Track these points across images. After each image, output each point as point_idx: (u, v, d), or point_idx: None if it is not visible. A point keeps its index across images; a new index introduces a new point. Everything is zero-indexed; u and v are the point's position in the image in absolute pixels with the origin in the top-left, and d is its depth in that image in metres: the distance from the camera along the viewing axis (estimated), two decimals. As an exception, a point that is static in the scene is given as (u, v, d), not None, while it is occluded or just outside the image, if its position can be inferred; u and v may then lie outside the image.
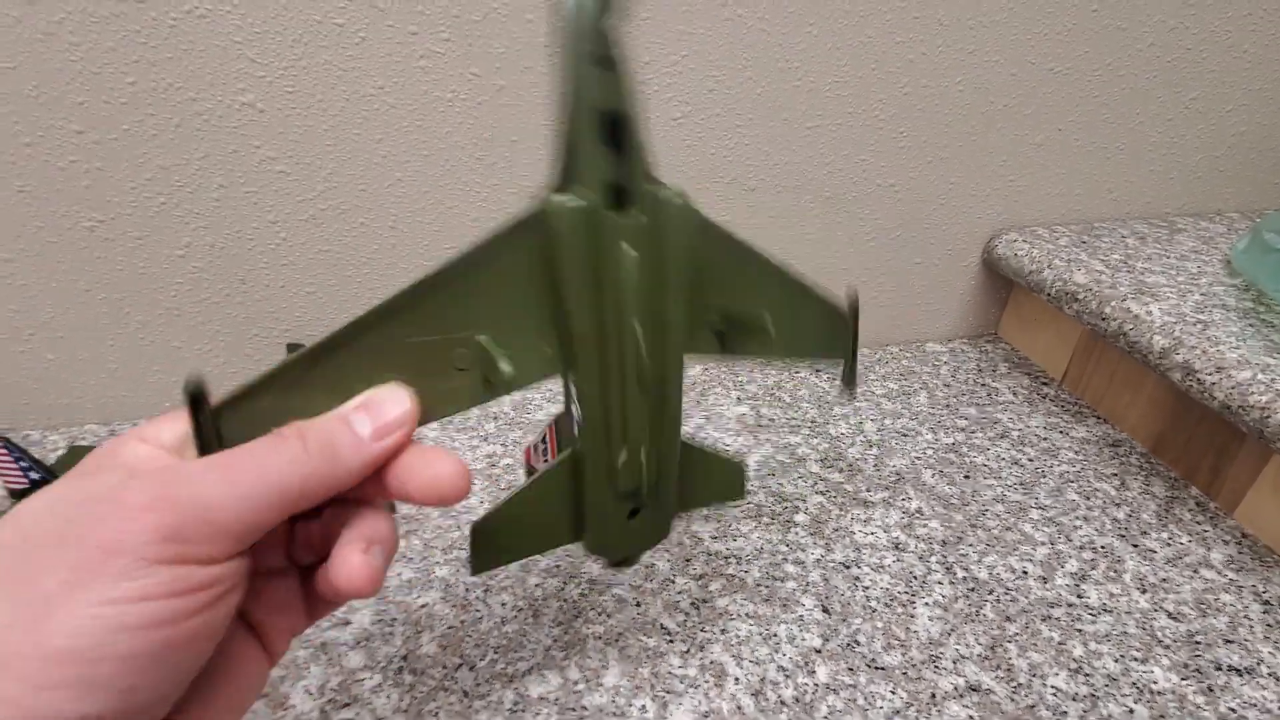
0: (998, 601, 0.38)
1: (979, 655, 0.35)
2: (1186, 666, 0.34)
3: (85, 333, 0.46)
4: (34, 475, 0.38)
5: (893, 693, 0.33)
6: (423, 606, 0.37)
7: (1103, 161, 0.57)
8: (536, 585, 0.38)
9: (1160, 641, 0.36)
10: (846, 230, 0.55)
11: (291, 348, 0.50)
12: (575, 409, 0.25)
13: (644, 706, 0.32)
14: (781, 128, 0.49)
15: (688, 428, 0.50)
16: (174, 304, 0.46)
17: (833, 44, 0.47)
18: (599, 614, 0.36)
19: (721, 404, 0.53)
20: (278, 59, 0.40)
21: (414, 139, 0.44)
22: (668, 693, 0.32)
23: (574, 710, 0.32)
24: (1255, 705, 0.33)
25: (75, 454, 0.43)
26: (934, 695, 0.33)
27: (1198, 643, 0.36)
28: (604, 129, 0.20)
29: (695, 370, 0.57)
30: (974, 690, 0.33)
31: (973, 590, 0.38)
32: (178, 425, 0.20)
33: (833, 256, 0.56)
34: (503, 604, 0.37)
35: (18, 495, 0.38)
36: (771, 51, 0.46)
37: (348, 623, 0.36)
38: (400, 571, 0.38)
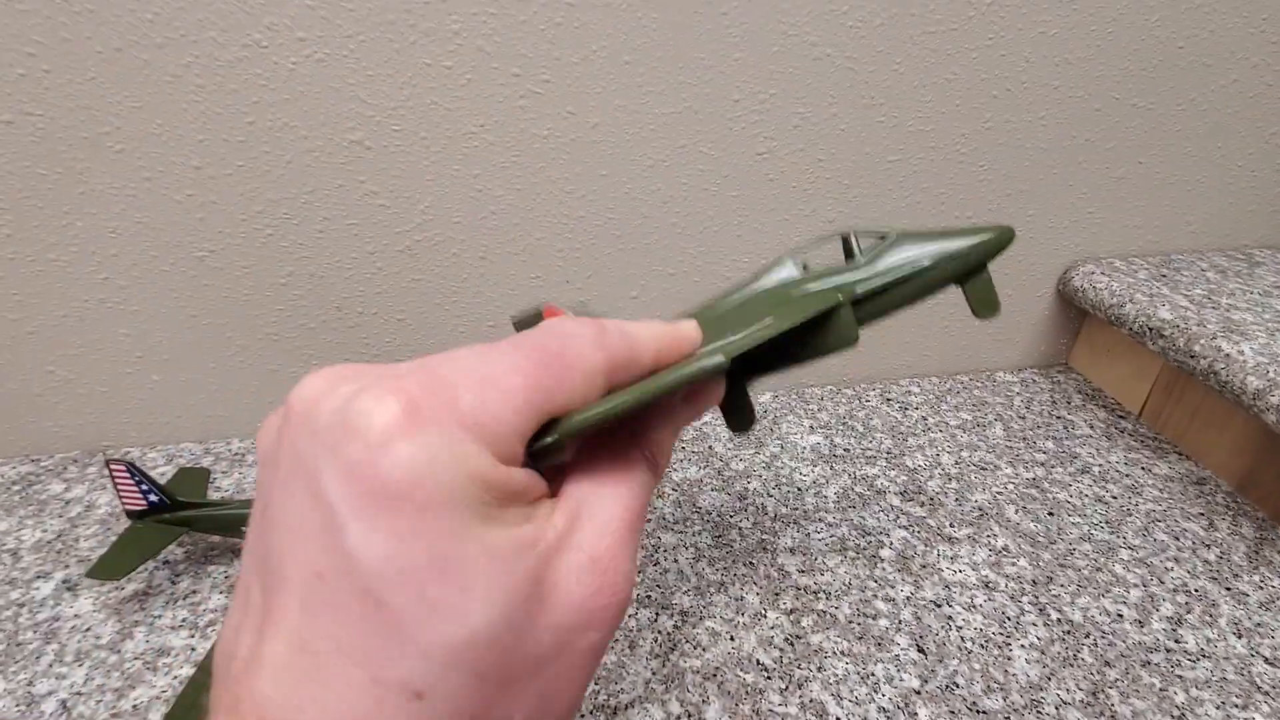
0: (1094, 645, 0.37)
1: (1081, 701, 0.34)
2: (1298, 720, 0.34)
3: (189, 356, 0.48)
4: (152, 498, 0.39)
5: (997, 737, 0.33)
6: (522, 634, 0.37)
7: (1182, 193, 0.57)
8: (630, 616, 0.38)
9: (1259, 688, 0.35)
10: (921, 261, 0.55)
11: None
12: None
13: (749, 743, 0.32)
14: (863, 161, 0.50)
15: (763, 456, 0.51)
16: (274, 329, 0.48)
17: (918, 81, 0.47)
18: (694, 647, 0.37)
19: (794, 433, 0.54)
20: (387, 99, 0.42)
21: (509, 174, 0.45)
22: (771, 730, 0.33)
23: (680, 745, 0.32)
24: (1371, 762, 0.32)
25: (185, 475, 0.45)
26: (1039, 741, 0.33)
27: (1307, 695, 0.35)
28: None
29: (766, 397, 0.58)
30: (1079, 737, 0.33)
31: (1068, 633, 0.38)
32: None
33: (906, 287, 0.56)
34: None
35: (136, 516, 0.40)
36: (857, 88, 0.47)
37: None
38: (497, 598, 0.39)
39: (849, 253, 0.26)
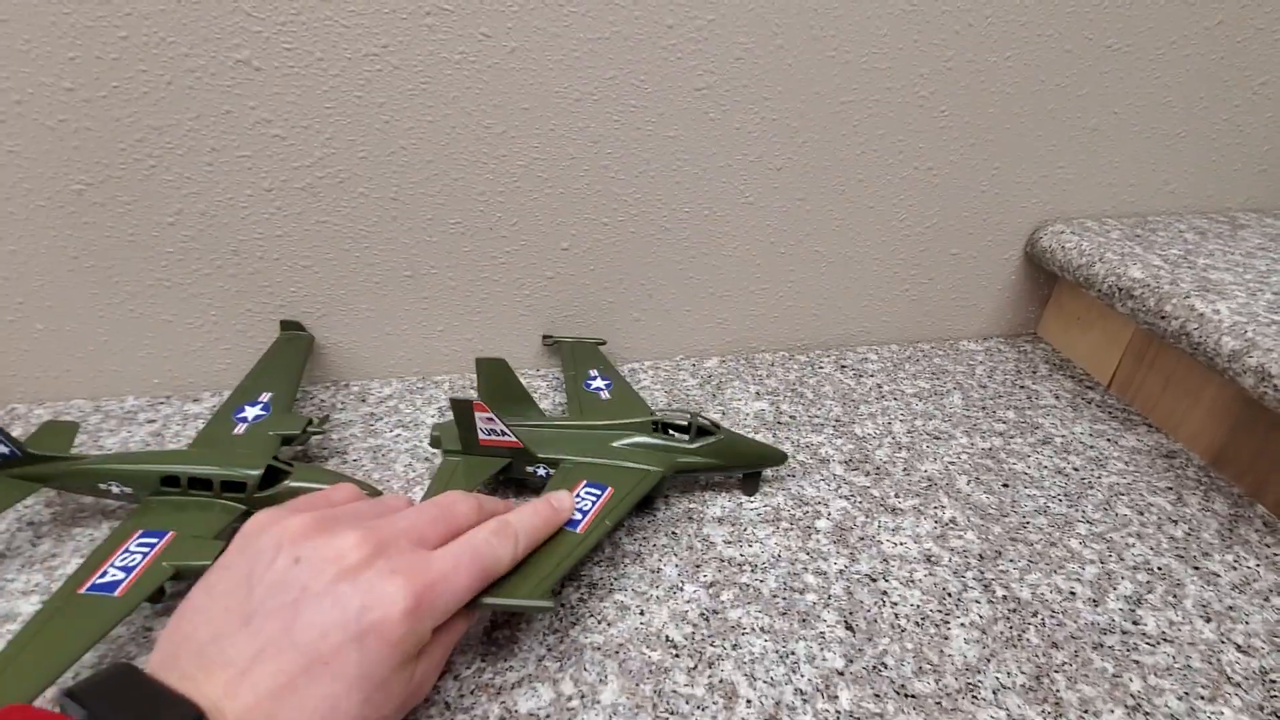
0: (1042, 625, 0.34)
1: (1023, 686, 0.31)
2: (1262, 709, 0.30)
3: (74, 303, 0.44)
4: (2, 449, 0.35)
5: (924, 724, 0.29)
6: (408, 605, 0.34)
7: (1161, 150, 0.53)
8: (532, 587, 0.35)
9: (1229, 679, 0.32)
10: (879, 216, 0.51)
11: (285, 325, 0.47)
12: None
13: (644, 727, 0.29)
14: (813, 102, 0.45)
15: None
16: (164, 274, 0.44)
17: (872, 11, 0.43)
18: (599, 621, 0.33)
19: (739, 399, 0.50)
20: (275, 13, 0.37)
21: (418, 104, 0.41)
22: (671, 713, 0.29)
23: (566, 728, 0.29)
24: (1342, 756, 0.29)
25: (48, 429, 0.40)
26: (971, 729, 0.29)
27: (1273, 681, 0.32)
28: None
29: (713, 362, 0.54)
30: (1016, 725, 0.29)
31: (1014, 611, 0.34)
32: None
33: (863, 245, 0.52)
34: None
35: None
36: (805, 18, 0.43)
37: (326, 620, 0.33)
38: (387, 566, 0.36)
39: (687, 430, 0.39)
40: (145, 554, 0.30)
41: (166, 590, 0.33)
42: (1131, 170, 0.53)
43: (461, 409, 0.37)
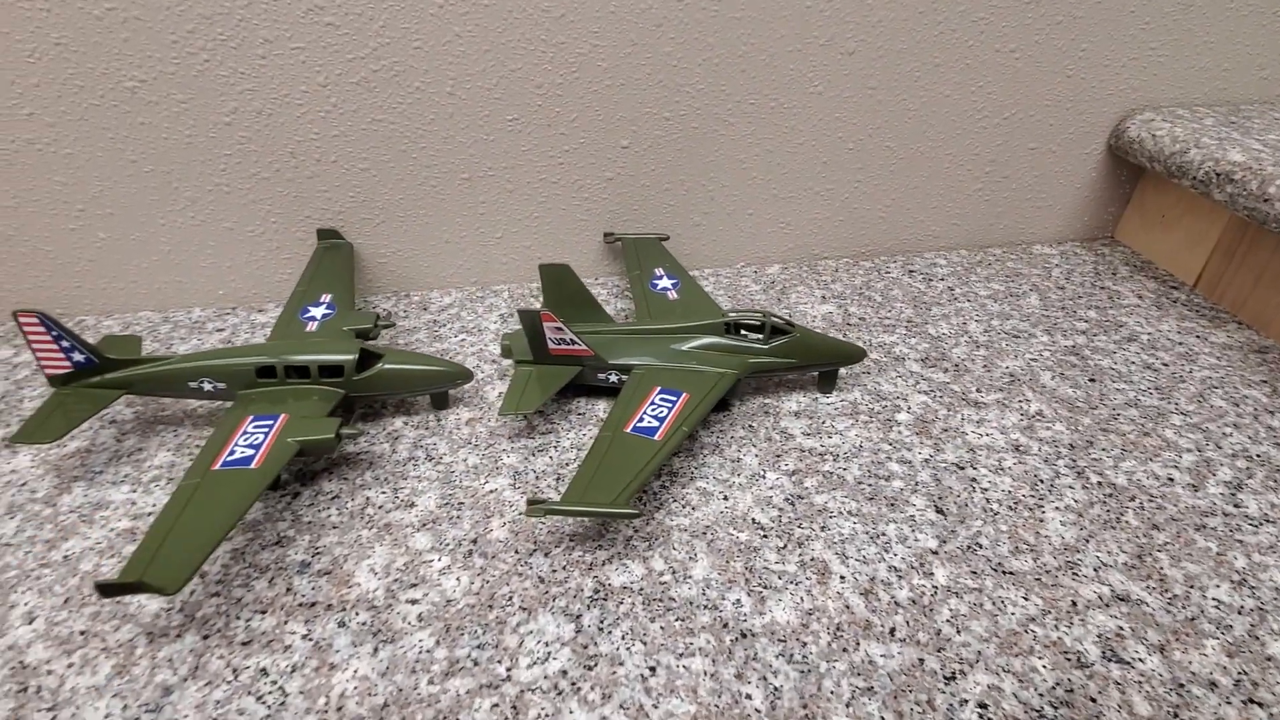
0: (1141, 509, 0.33)
1: (1124, 564, 0.30)
2: (1381, 583, 0.29)
3: (135, 210, 0.44)
4: (77, 356, 0.35)
5: (1025, 599, 0.29)
6: (491, 492, 0.34)
7: (1256, 32, 0.49)
8: (613, 475, 0.34)
9: (1335, 559, 0.31)
10: (955, 107, 0.48)
11: (322, 234, 0.46)
12: None
13: (739, 600, 0.28)
14: (891, -23, 0.42)
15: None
16: (223, 179, 0.43)
17: None
18: (683, 506, 0.33)
19: (805, 302, 0.48)
20: (325, -117, 0.35)
21: (475, -14, 0.39)
22: (765, 586, 0.29)
23: (660, 600, 0.29)
24: None
25: (111, 342, 0.39)
26: (1074, 603, 0.28)
27: (1391, 559, 0.30)
28: None
29: (774, 269, 0.52)
30: (1122, 600, 0.29)
31: (1110, 496, 0.33)
32: None
33: (936, 139, 0.49)
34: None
35: (60, 381, 0.36)
36: (886, -121, 0.39)
37: (413, 504, 0.33)
38: (466, 457, 0.36)
39: (760, 329, 0.38)
40: (266, 432, 0.31)
41: (281, 478, 0.33)
42: (1225, 54, 0.50)
43: (530, 319, 0.36)
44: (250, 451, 0.30)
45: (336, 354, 0.35)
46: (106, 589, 0.24)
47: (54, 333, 0.34)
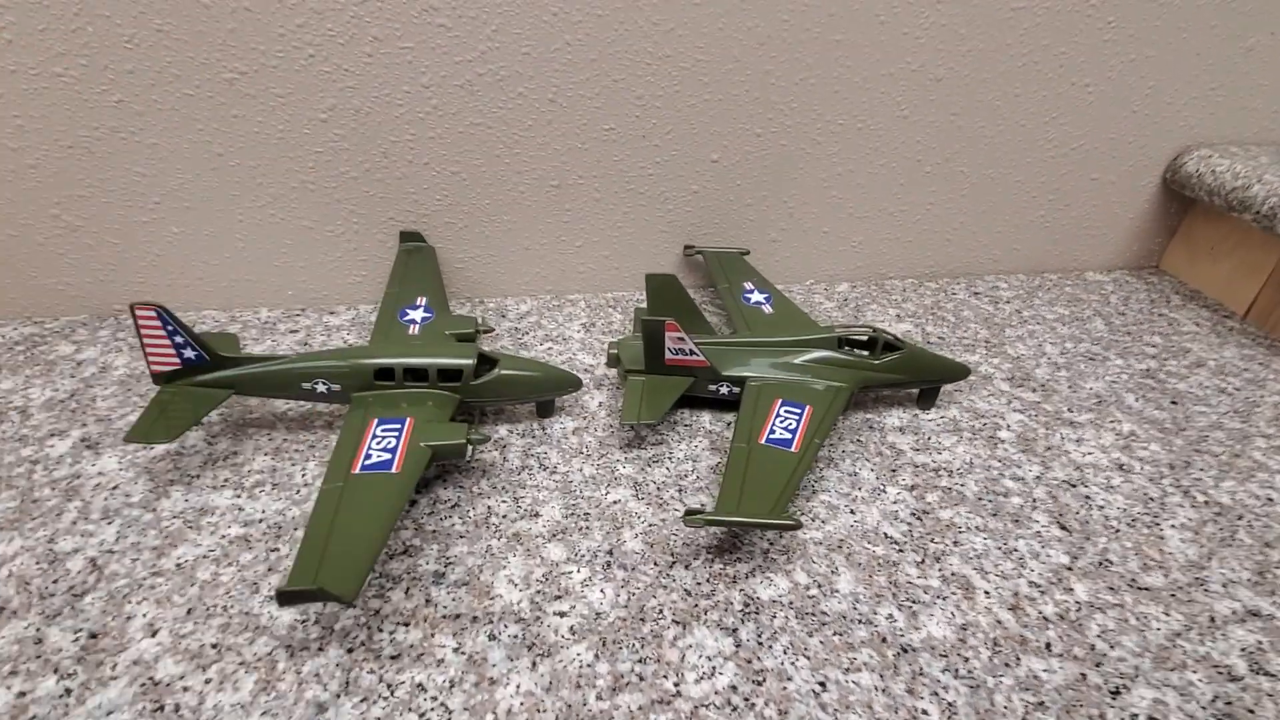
0: (1250, 527, 0.34)
1: (1249, 580, 0.31)
2: None
3: (214, 204, 0.42)
4: (188, 353, 0.34)
5: (1166, 614, 0.29)
6: (615, 503, 0.33)
7: (1308, 74, 0.52)
8: (733, 488, 0.34)
9: None
10: (1027, 136, 0.50)
11: (405, 236, 0.45)
12: None
13: (891, 615, 0.28)
14: (983, 7, 0.44)
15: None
16: (310, 177, 0.42)
17: (1056, -91, 0.41)
18: (813, 520, 0.33)
19: (881, 320, 0.49)
20: (456, -115, 0.35)
21: (590, -5, 0.39)
22: (914, 602, 0.29)
23: (813, 615, 0.28)
24: None
25: (214, 339, 0.38)
26: (1212, 619, 0.29)
27: None
28: None
29: (843, 287, 0.53)
30: (1254, 615, 0.29)
31: (1219, 515, 0.34)
32: None
33: (1007, 166, 0.51)
34: (701, 505, 0.33)
35: (165, 379, 0.34)
36: (988, -86, 0.41)
37: (537, 514, 0.32)
38: (580, 467, 0.35)
39: (871, 347, 0.38)
40: (397, 436, 0.30)
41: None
42: (1276, 95, 0.52)
43: (652, 329, 0.35)
44: (387, 455, 0.29)
45: (455, 358, 0.34)
46: (286, 596, 0.23)
47: (169, 328, 0.32)
